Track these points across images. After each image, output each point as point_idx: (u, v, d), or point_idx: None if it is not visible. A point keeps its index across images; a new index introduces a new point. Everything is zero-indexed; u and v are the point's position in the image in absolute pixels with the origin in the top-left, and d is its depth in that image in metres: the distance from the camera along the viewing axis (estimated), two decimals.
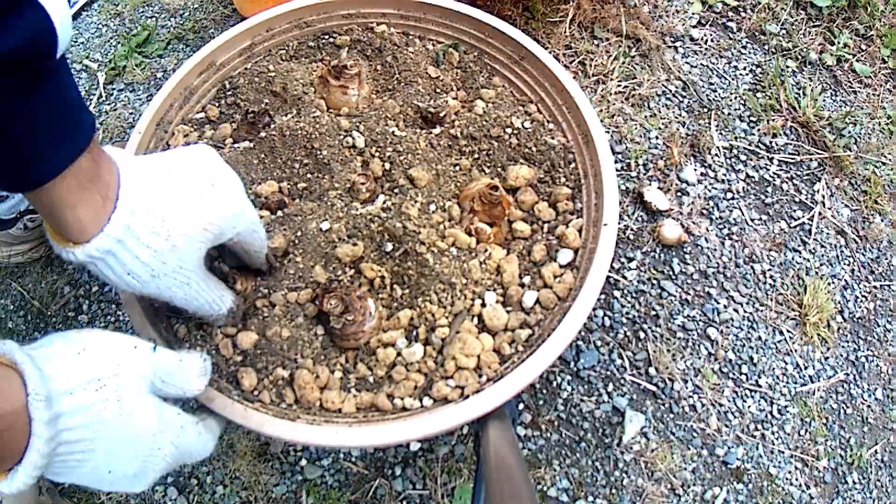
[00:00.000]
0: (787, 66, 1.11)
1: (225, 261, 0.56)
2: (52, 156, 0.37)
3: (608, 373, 0.83)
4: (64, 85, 0.38)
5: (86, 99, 1.10)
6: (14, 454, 0.34)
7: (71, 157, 0.38)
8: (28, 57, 0.33)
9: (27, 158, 0.37)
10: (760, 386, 0.84)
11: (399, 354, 0.56)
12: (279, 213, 0.64)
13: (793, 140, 1.03)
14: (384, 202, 0.63)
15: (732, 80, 1.08)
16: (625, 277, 0.89)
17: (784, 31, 1.15)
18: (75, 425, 0.37)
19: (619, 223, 0.77)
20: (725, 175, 0.98)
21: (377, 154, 0.67)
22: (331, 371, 0.55)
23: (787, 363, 0.86)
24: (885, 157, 1.04)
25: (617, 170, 0.96)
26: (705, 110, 1.04)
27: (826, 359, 0.88)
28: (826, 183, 1.00)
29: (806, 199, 0.98)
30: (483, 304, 0.58)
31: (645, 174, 0.97)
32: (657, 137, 1.00)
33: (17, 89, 0.34)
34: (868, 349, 0.90)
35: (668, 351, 0.84)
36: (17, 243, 0.89)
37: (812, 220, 0.96)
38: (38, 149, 0.36)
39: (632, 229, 0.92)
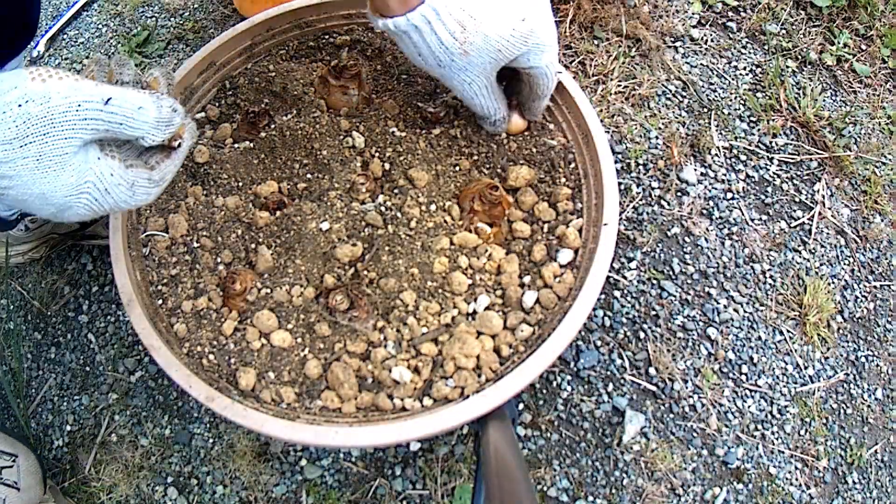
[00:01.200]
0: (787, 66, 1.11)
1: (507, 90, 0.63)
2: None
3: (608, 373, 0.83)
4: None
5: None
6: None
7: None
8: None
9: None
10: (760, 386, 0.84)
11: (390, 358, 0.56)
12: (278, 213, 0.64)
13: (793, 140, 1.03)
14: (384, 202, 0.63)
15: (732, 80, 1.08)
16: (625, 277, 0.89)
17: (784, 31, 1.15)
18: None
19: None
20: (725, 175, 0.98)
21: (377, 154, 0.67)
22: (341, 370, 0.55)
23: (787, 363, 0.86)
24: (885, 157, 1.04)
25: (617, 170, 0.96)
26: (705, 110, 1.04)
27: (826, 359, 0.88)
28: (826, 183, 1.00)
29: (806, 199, 0.98)
30: (475, 311, 0.58)
31: (645, 174, 0.97)
32: (657, 137, 1.00)
33: None
34: (868, 349, 0.90)
35: (668, 351, 0.84)
36: (17, 244, 0.89)
37: (812, 220, 0.96)
38: None
39: None
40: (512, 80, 0.62)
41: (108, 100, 0.40)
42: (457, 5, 0.49)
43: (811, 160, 1.02)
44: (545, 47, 0.55)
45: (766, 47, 1.13)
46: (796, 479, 0.80)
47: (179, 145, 0.46)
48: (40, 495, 0.75)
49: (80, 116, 0.39)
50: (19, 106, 0.37)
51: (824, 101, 1.07)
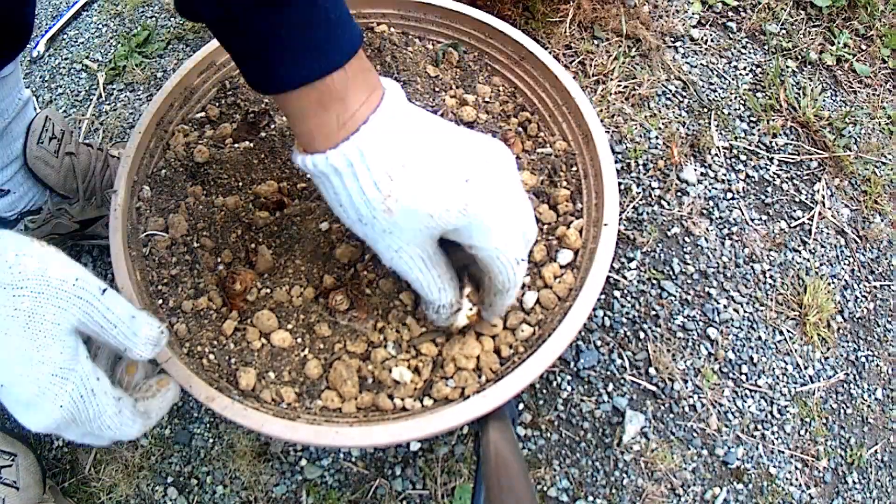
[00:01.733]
0: (787, 66, 1.11)
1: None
2: (294, 69, 0.38)
3: (608, 373, 0.83)
4: (319, 4, 0.37)
5: (86, 99, 1.10)
6: None
7: (314, 74, 0.38)
8: None
9: (271, 65, 0.38)
10: (760, 386, 0.84)
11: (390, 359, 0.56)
12: (278, 213, 0.64)
13: (793, 140, 1.03)
14: None
15: (732, 80, 1.08)
16: (625, 277, 0.89)
17: (784, 31, 1.15)
18: None
19: None
20: (725, 175, 0.98)
21: None
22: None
23: (787, 363, 0.86)
24: (885, 157, 1.04)
25: (617, 170, 0.96)
26: (705, 110, 1.04)
27: (826, 359, 0.88)
28: (826, 183, 1.00)
29: (806, 199, 0.98)
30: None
31: (645, 174, 0.97)
32: (657, 137, 1.00)
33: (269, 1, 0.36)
34: (868, 349, 0.90)
35: (668, 351, 0.84)
36: None
37: (812, 220, 0.96)
38: (282, 59, 0.37)
39: None
40: (473, 265, 0.49)
41: (105, 290, 0.37)
42: (389, 149, 0.38)
43: (811, 160, 1.02)
44: (493, 227, 0.41)
45: (766, 47, 1.13)
46: (796, 479, 0.80)
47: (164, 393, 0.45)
48: (39, 494, 0.75)
49: (76, 292, 0.36)
50: (16, 255, 0.34)
51: (824, 101, 1.07)
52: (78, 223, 0.88)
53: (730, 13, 1.17)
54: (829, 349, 0.88)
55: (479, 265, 0.46)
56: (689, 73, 1.08)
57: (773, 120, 1.04)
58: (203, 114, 0.73)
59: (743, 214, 0.95)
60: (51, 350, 0.34)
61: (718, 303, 0.88)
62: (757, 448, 0.81)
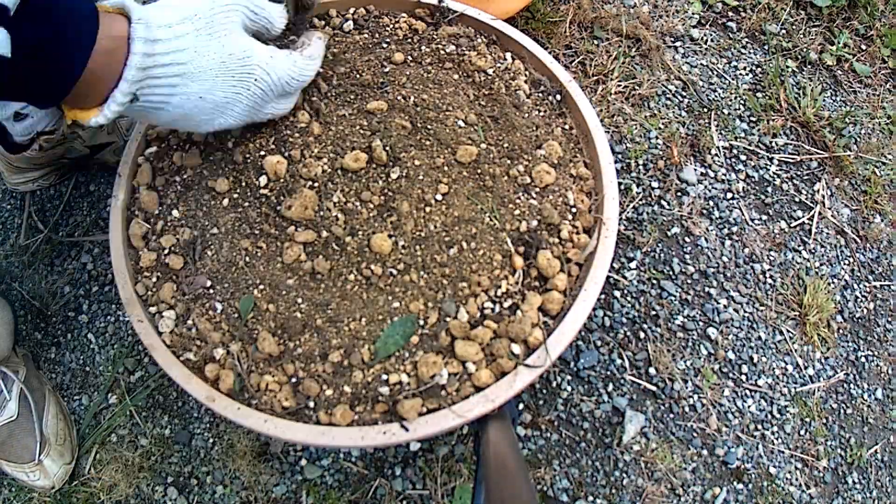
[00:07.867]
0: (787, 66, 1.11)
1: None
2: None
3: (608, 373, 0.83)
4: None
5: None
6: (112, 79, 0.41)
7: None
8: None
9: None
10: (760, 386, 0.84)
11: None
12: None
13: (793, 140, 1.03)
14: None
15: (732, 80, 1.08)
16: (625, 277, 0.89)
17: (784, 31, 1.15)
18: (170, 50, 0.42)
19: None
20: (725, 175, 0.98)
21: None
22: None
23: (787, 363, 0.86)
24: (885, 157, 1.04)
25: (617, 170, 0.96)
26: (705, 110, 1.04)
27: (826, 359, 0.88)
28: (826, 183, 1.00)
29: (806, 199, 0.98)
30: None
31: (645, 174, 0.97)
32: (657, 137, 1.00)
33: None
34: (868, 349, 0.90)
35: (668, 351, 0.84)
36: (29, 169, 0.89)
37: (812, 220, 0.96)
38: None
39: None
40: None
41: None
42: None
43: (811, 160, 1.02)
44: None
45: (766, 47, 1.13)
46: (796, 479, 0.80)
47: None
48: (8, 348, 0.78)
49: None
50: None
51: (824, 101, 1.07)
52: (89, 147, 0.89)
53: (730, 13, 1.17)
54: (829, 349, 0.88)
55: None
56: (689, 73, 1.08)
57: (773, 120, 1.04)
58: None
59: (743, 214, 0.95)
60: (230, 46, 0.46)
61: (718, 303, 0.88)
62: (757, 448, 0.81)
